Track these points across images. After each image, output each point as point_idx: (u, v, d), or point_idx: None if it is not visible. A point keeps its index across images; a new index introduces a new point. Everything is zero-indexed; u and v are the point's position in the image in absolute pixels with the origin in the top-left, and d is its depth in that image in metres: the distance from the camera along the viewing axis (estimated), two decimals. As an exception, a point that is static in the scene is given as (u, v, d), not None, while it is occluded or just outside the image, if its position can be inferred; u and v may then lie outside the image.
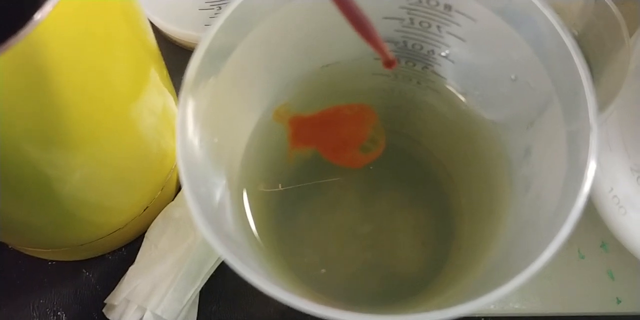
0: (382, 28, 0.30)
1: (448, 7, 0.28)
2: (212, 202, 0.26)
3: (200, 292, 0.38)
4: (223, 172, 0.29)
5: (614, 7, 0.38)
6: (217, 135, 0.28)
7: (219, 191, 0.28)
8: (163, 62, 0.35)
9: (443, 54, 0.31)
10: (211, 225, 0.23)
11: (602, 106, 0.35)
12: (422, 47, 0.31)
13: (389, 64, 0.28)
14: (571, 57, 0.25)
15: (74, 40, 0.25)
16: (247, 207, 0.31)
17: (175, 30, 0.43)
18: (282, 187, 0.35)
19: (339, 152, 0.34)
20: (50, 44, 0.23)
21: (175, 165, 0.38)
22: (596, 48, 0.39)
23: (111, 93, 0.29)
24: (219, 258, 0.37)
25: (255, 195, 0.32)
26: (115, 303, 0.36)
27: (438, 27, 0.29)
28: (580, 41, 0.39)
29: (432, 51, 0.31)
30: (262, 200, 0.33)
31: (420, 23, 0.30)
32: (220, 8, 0.39)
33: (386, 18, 0.30)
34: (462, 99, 0.32)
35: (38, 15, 0.22)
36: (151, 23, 0.43)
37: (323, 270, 0.34)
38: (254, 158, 0.32)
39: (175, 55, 0.41)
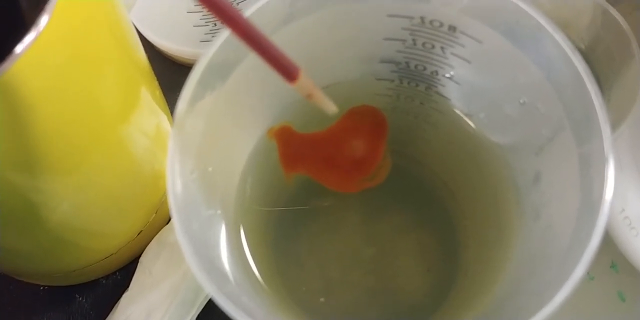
0: (384, 49, 0.29)
1: (452, 29, 0.27)
2: (205, 238, 0.25)
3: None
4: (218, 202, 0.28)
5: (622, 20, 0.37)
6: (211, 164, 0.27)
7: (213, 224, 0.27)
8: (156, 81, 0.34)
9: (447, 75, 0.29)
10: (204, 265, 0.22)
11: (613, 125, 0.34)
12: (425, 68, 0.30)
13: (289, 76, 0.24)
14: (584, 83, 0.24)
15: (59, 68, 0.24)
16: (243, 237, 0.30)
17: (170, 46, 0.42)
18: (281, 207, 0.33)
19: (334, 176, 0.32)
20: (33, 74, 0.22)
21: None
22: (605, 63, 0.37)
23: (100, 118, 0.28)
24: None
25: (252, 224, 0.31)
26: (109, 332, 0.35)
27: (442, 48, 0.28)
28: (588, 56, 0.38)
29: (436, 72, 0.30)
30: (259, 229, 0.32)
31: (423, 44, 0.28)
32: (215, 24, 0.38)
33: (387, 39, 0.29)
34: (468, 121, 0.31)
35: (19, 48, 0.21)
36: (145, 39, 0.41)
37: (322, 299, 0.32)
38: (250, 186, 0.30)
39: (169, 71, 0.40)
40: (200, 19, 0.37)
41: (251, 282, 0.28)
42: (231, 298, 0.22)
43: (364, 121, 0.32)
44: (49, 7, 0.22)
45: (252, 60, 0.26)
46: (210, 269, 0.23)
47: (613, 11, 0.37)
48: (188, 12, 0.37)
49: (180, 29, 0.39)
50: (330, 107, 0.25)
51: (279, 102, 0.30)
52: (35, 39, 0.21)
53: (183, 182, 0.23)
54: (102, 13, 0.26)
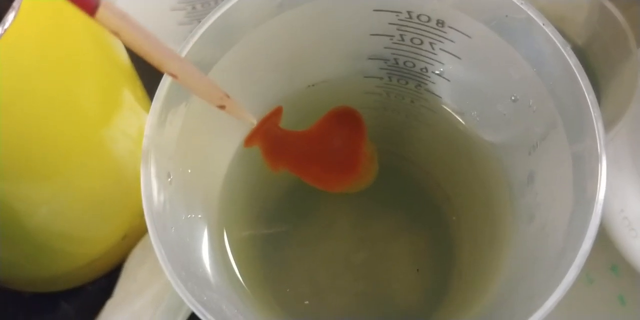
0: (371, 45, 0.28)
1: (441, 23, 0.26)
2: (183, 243, 0.24)
3: (183, 327, 0.35)
4: (199, 205, 0.27)
5: (619, 15, 0.36)
6: (191, 165, 0.26)
7: (193, 228, 0.26)
8: (138, 81, 0.33)
9: (437, 71, 0.28)
10: (180, 272, 0.21)
11: (610, 122, 0.33)
12: (414, 65, 0.29)
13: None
14: (575, 77, 0.23)
15: (31, 67, 0.23)
16: (227, 241, 0.29)
17: (155, 45, 0.40)
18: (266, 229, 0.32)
19: (316, 174, 0.31)
20: (3, 74, 0.21)
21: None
22: (602, 59, 0.36)
23: (79, 119, 0.27)
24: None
25: (236, 228, 0.30)
26: (92, 340, 0.34)
27: (431, 43, 0.27)
28: (585, 52, 0.37)
29: (425, 69, 0.29)
30: (244, 233, 0.31)
31: (411, 40, 0.27)
32: (199, 22, 0.37)
33: (374, 35, 0.28)
34: (459, 119, 0.30)
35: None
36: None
37: (306, 302, 0.31)
38: (234, 188, 0.29)
39: (154, 70, 0.39)
40: (185, 17, 0.36)
41: (234, 288, 0.28)
42: (208, 306, 0.21)
43: (342, 121, 0.31)
44: (17, 4, 0.21)
45: (230, 58, 0.25)
46: (188, 276, 0.22)
47: (610, 6, 0.36)
48: (171, 10, 0.36)
49: (164, 27, 0.38)
50: (248, 117, 0.24)
51: (261, 102, 0.29)
52: (1, 36, 0.20)
53: (159, 185, 0.23)
54: (77, 10, 0.25)
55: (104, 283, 0.38)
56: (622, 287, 0.39)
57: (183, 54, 0.24)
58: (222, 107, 0.22)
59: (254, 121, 0.25)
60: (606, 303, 0.38)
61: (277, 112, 0.29)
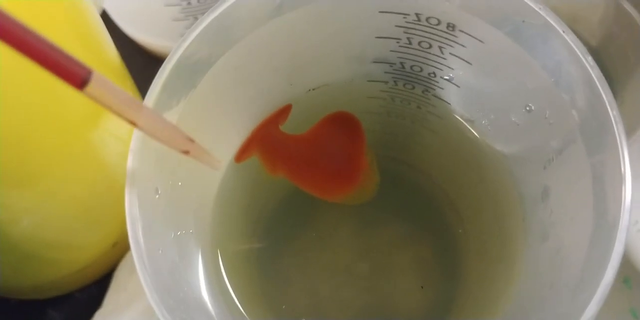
0: (376, 48, 0.26)
1: (451, 27, 0.24)
2: (172, 266, 0.22)
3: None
4: (190, 219, 0.25)
5: (636, 15, 0.34)
6: (182, 178, 0.24)
7: (183, 246, 0.24)
8: (130, 80, 0.31)
9: (446, 77, 0.27)
10: (167, 302, 0.19)
11: (627, 130, 0.31)
12: (421, 69, 0.27)
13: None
14: (599, 92, 0.21)
15: (12, 68, 0.21)
16: (221, 259, 0.27)
17: (149, 40, 0.39)
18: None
19: (313, 181, 0.30)
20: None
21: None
22: (618, 62, 0.35)
23: (65, 123, 0.26)
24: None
25: (231, 241, 0.28)
26: (80, 353, 0.32)
27: (440, 48, 0.25)
28: (600, 54, 0.35)
29: (434, 74, 0.27)
30: (239, 246, 0.29)
31: (419, 43, 0.26)
32: (196, 18, 0.35)
33: (380, 37, 0.26)
34: (469, 127, 0.28)
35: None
36: (125, 34, 0.39)
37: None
38: (228, 200, 0.28)
39: (150, 67, 0.38)
40: (180, 13, 0.35)
41: (230, 310, 0.26)
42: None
43: (339, 127, 0.29)
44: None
45: (228, 60, 0.24)
46: (176, 305, 0.20)
47: (627, 5, 0.34)
48: (166, 6, 0.34)
49: (158, 23, 0.37)
50: (213, 162, 0.22)
51: (259, 106, 0.27)
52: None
53: (144, 205, 0.21)
54: (60, 10, 0.23)
55: (94, 291, 0.37)
56: (635, 300, 0.37)
57: (178, 53, 0.22)
58: (186, 152, 0.20)
59: (219, 165, 0.23)
60: (618, 316, 0.37)
61: (285, 111, 0.28)
